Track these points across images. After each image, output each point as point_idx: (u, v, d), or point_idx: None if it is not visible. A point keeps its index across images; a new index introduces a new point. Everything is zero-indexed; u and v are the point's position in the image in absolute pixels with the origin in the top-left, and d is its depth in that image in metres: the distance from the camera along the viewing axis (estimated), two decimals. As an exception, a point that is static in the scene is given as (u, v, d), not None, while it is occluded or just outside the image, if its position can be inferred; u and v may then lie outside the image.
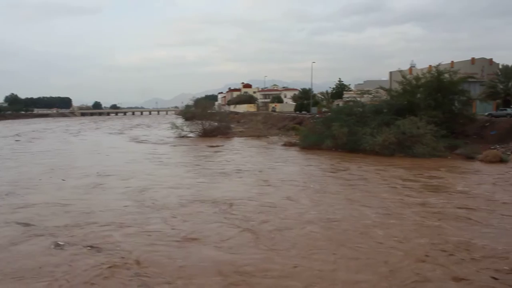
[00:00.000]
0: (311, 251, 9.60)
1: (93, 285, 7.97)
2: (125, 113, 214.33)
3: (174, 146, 38.08)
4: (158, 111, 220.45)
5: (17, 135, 54.90)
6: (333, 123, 31.30)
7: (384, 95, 37.01)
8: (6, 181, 19.16)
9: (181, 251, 9.72)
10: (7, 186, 17.92)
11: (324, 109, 54.83)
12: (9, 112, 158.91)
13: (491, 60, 60.33)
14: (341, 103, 50.24)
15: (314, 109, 70.67)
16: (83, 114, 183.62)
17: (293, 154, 30.29)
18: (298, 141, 34.90)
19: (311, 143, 32.32)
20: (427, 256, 9.19)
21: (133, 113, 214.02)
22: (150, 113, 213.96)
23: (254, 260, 9.10)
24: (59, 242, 10.25)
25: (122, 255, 9.38)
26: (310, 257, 9.25)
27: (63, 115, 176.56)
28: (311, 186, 17.88)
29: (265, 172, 21.85)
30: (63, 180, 19.46)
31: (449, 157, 26.21)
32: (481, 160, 24.62)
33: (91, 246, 9.99)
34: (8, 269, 8.66)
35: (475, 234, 10.76)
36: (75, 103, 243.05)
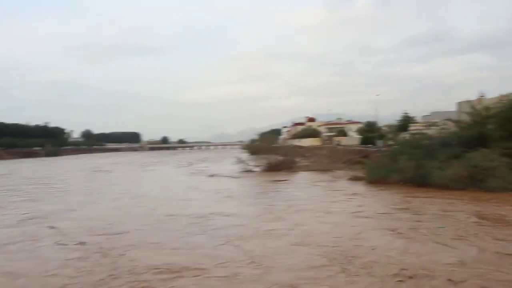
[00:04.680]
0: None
1: None
2: (191, 147, 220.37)
3: (236, 179, 39.07)
4: (224, 145, 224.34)
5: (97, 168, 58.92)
6: (399, 156, 30.82)
7: (452, 127, 36.02)
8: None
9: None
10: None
11: (390, 142, 53.76)
12: (84, 146, 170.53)
13: None
14: (407, 136, 49.20)
15: (380, 142, 69.49)
16: (152, 149, 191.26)
17: (353, 187, 30.14)
18: (364, 175, 34.50)
19: (377, 177, 31.67)
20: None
21: (199, 147, 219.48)
22: (216, 147, 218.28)
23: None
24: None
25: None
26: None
27: (133, 149, 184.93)
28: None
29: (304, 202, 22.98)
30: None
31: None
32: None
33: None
34: None
35: None
36: (143, 137, 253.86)
